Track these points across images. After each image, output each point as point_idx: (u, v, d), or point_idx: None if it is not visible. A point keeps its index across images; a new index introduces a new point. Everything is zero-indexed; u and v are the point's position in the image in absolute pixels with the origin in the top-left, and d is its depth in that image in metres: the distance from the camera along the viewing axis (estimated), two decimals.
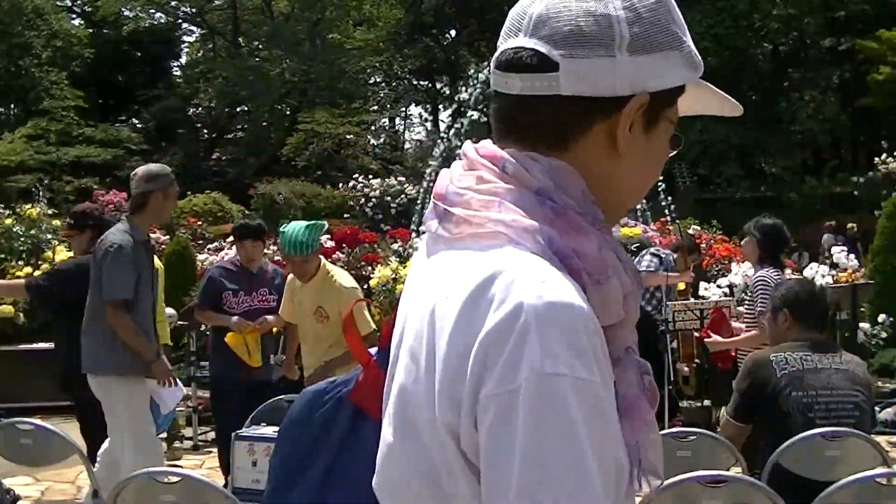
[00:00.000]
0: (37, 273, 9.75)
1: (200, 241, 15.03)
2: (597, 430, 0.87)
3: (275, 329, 6.07)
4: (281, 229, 4.86)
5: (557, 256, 0.94)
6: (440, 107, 40.83)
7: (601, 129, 1.01)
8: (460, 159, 1.07)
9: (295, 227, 4.87)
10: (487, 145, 1.04)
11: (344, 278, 5.08)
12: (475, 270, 0.93)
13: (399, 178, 20.87)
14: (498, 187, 0.99)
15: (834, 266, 10.41)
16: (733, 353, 5.35)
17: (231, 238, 7.32)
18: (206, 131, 38.29)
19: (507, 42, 1.04)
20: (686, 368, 7.83)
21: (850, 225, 19.74)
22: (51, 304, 5.74)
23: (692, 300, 7.88)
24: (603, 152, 1.02)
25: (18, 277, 9.54)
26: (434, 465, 0.92)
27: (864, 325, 9.32)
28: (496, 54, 1.04)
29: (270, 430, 4.08)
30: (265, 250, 6.72)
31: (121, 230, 4.62)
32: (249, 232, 5.62)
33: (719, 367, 5.41)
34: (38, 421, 3.93)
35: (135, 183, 4.73)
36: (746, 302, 5.38)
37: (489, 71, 1.10)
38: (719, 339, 5.24)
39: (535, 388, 0.86)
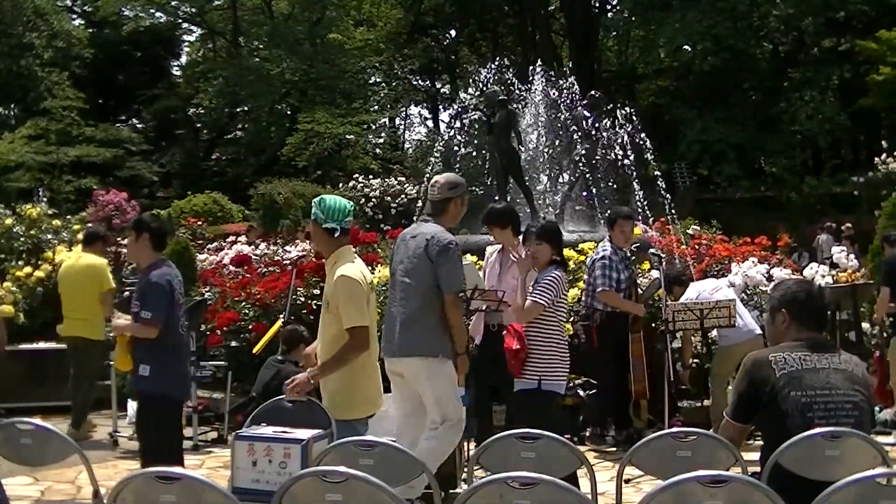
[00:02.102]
0: (37, 273, 9.77)
1: (200, 241, 15.03)
2: None
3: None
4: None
5: None
6: (440, 107, 40.85)
7: None
8: None
9: (325, 198, 4.73)
10: None
11: (346, 267, 4.61)
12: None
13: (399, 178, 20.87)
14: None
15: (834, 266, 10.39)
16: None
17: (231, 238, 7.35)
18: (206, 131, 38.27)
19: None
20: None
21: (846, 224, 19.72)
22: None
23: (691, 300, 7.87)
24: None
25: (18, 278, 9.56)
26: None
27: (865, 325, 9.31)
28: None
29: (270, 430, 4.08)
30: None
31: (442, 230, 5.06)
32: (131, 226, 5.53)
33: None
34: (38, 421, 3.93)
35: (437, 190, 5.23)
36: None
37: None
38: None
39: None
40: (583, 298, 7.65)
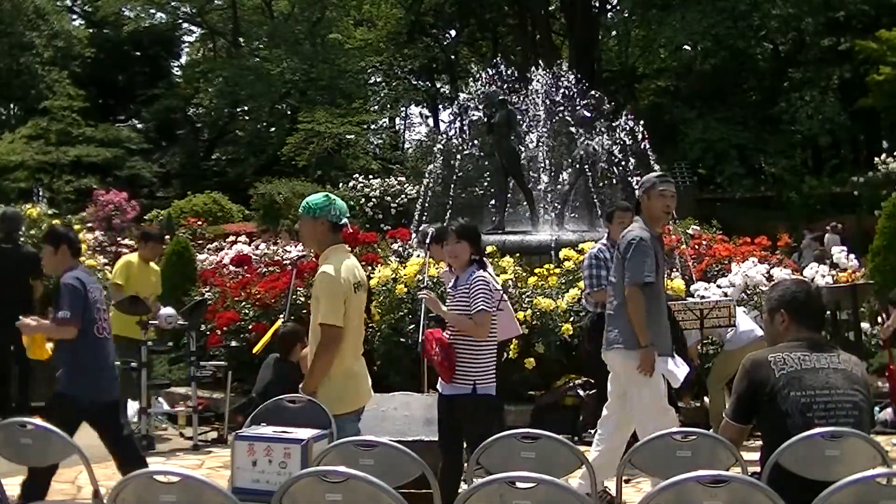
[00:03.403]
0: None
1: (200, 241, 15.04)
2: None
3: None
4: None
5: None
6: (440, 107, 40.86)
7: None
8: None
9: (315, 195, 4.78)
10: None
11: (329, 265, 4.57)
12: None
13: (399, 178, 20.89)
14: None
15: (834, 266, 10.41)
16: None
17: (231, 238, 7.36)
18: (206, 131, 38.28)
19: None
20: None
21: (832, 224, 19.72)
22: None
23: (691, 300, 7.88)
24: None
25: None
26: None
27: (864, 325, 9.31)
28: None
29: (270, 430, 4.07)
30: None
31: (640, 227, 5.47)
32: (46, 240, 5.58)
33: None
34: (38, 421, 3.93)
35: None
36: (457, 299, 5.13)
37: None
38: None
39: None
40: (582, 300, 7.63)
